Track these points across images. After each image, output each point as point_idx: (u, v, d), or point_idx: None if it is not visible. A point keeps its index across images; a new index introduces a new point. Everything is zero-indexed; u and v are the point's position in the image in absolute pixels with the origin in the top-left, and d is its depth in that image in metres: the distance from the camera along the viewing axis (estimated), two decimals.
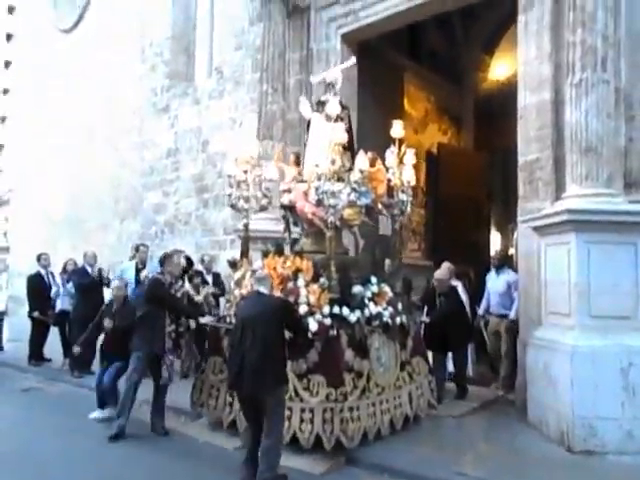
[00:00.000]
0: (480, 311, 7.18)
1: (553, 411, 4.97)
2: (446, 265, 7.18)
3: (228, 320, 5.24)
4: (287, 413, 4.44)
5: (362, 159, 5.31)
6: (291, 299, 4.78)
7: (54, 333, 8.53)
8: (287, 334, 4.34)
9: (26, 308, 8.90)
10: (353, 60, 6.73)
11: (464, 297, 7.27)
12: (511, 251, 13.16)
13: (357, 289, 5.08)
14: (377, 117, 8.30)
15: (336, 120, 5.29)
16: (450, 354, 6.59)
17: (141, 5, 11.38)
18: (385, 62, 8.69)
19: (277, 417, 4.06)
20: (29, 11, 15.80)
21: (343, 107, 5.69)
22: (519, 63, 6.14)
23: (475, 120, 11.67)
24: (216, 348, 5.36)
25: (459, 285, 7.27)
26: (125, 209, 11.55)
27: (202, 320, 5.79)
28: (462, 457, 4.65)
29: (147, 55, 11.31)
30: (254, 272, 5.12)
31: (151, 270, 7.42)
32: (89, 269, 7.80)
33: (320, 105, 5.91)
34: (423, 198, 10.43)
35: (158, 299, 5.30)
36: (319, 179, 5.01)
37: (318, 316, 4.74)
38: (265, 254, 5.53)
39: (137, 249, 7.72)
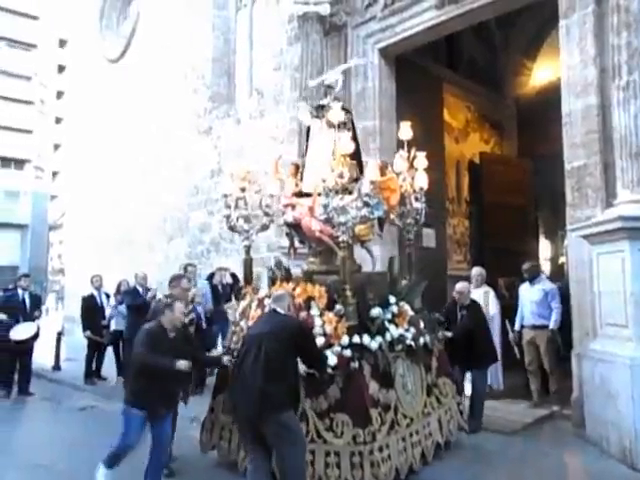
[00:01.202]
0: (516, 326, 6.78)
1: (614, 427, 4.76)
2: (476, 271, 6.97)
3: (236, 354, 4.55)
4: (309, 457, 4.05)
5: (372, 169, 4.79)
6: None
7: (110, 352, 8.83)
8: (302, 368, 4.03)
9: (81, 328, 9.24)
10: (356, 60, 6.38)
11: (495, 306, 6.98)
12: (561, 260, 12.78)
13: (376, 312, 4.59)
14: (417, 130, 8.24)
15: (340, 127, 4.82)
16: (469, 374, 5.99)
17: (182, 31, 11.77)
18: (423, 73, 8.66)
19: (286, 444, 3.62)
20: (79, 43, 16.61)
21: (346, 111, 5.25)
22: (562, 68, 6.00)
23: (518, 127, 11.45)
24: (224, 385, 4.74)
25: (490, 292, 7.00)
26: (172, 229, 11.86)
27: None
28: (517, 475, 4.52)
29: (189, 79, 11.66)
30: (261, 301, 4.81)
31: (200, 288, 7.62)
32: (140, 289, 8.03)
33: (320, 110, 5.43)
34: (467, 208, 10.30)
35: None
36: (327, 195, 4.52)
37: (337, 348, 4.27)
38: (272, 280, 5.05)
39: (186, 269, 7.90)
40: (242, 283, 7.96)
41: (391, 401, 4.45)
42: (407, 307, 4.94)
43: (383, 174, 5.24)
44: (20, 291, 8.44)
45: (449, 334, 5.64)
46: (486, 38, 10.65)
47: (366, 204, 4.56)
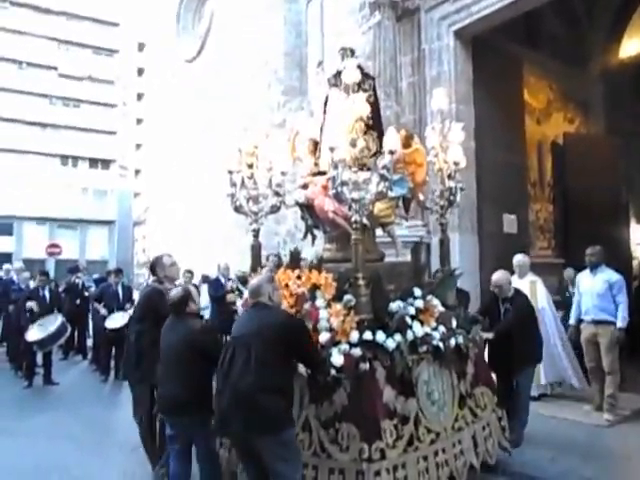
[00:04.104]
0: (572, 320, 6.13)
1: None
2: (517, 260, 6.33)
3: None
4: (312, 473, 3.52)
5: (392, 137, 3.99)
6: (308, 325, 3.69)
7: None
8: (304, 369, 3.53)
9: None
10: (378, 16, 5.45)
11: (545, 297, 6.34)
12: None
13: (396, 305, 3.94)
14: (496, 113, 8.01)
15: (356, 90, 4.19)
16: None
17: (255, 27, 12.00)
18: (502, 54, 8.33)
19: (285, 465, 3.16)
20: (156, 46, 17.35)
21: (366, 75, 4.64)
22: None
23: (605, 104, 10.77)
24: None
25: (538, 282, 6.38)
26: (248, 221, 12.15)
27: None
28: (615, 469, 4.31)
29: (263, 74, 11.89)
30: None
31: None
32: (222, 280, 8.33)
33: (338, 77, 4.73)
34: (550, 192, 9.85)
35: (156, 315, 4.25)
36: (335, 167, 3.82)
37: (344, 346, 3.62)
38: (278, 266, 4.50)
39: (267, 258, 8.09)
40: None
41: (410, 412, 3.77)
42: (436, 302, 4.22)
43: (408, 145, 4.58)
44: (113, 283, 9.00)
45: (489, 335, 4.82)
46: (568, 12, 10.08)
47: (383, 178, 3.83)
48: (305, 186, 4.79)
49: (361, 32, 5.36)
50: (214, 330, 4.10)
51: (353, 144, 3.86)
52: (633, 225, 11.59)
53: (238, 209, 4.81)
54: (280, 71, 11.45)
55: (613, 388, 5.64)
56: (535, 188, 9.48)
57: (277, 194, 4.83)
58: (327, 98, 4.91)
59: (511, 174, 8.25)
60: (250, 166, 4.77)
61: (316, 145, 4.97)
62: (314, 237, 4.98)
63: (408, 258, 4.73)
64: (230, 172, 4.79)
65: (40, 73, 34.11)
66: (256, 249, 4.90)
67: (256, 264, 4.83)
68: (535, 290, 6.27)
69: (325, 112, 4.90)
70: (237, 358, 3.17)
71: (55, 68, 34.76)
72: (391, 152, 3.91)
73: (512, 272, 6.15)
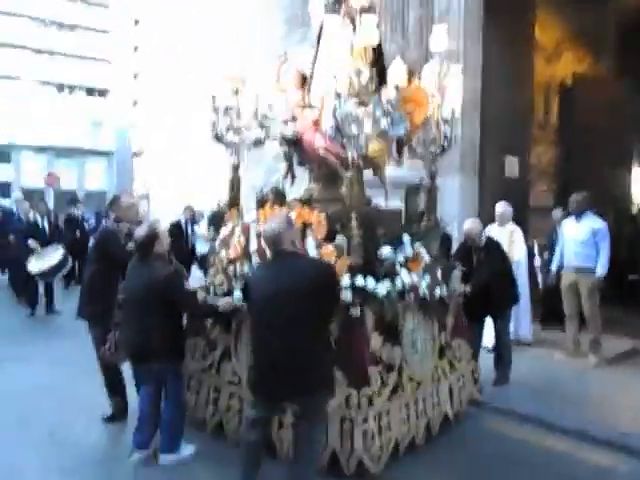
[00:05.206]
0: (554, 267, 6.08)
1: None
2: (499, 208, 6.16)
3: (212, 290, 4.05)
4: (291, 419, 3.43)
5: (398, 69, 3.67)
6: None
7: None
8: None
9: None
10: None
11: (522, 248, 6.21)
12: None
13: (386, 251, 3.76)
14: (505, 51, 7.73)
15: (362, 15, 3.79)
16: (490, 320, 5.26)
17: None
18: None
19: (320, 427, 3.08)
20: None
21: (369, 8, 4.24)
22: None
23: (619, 44, 10.37)
24: (196, 327, 4.18)
25: (517, 231, 6.23)
26: (248, 160, 12.01)
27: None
28: (596, 408, 4.49)
29: (266, 4, 11.39)
30: (246, 227, 3.92)
31: None
32: None
33: (337, 3, 4.38)
34: (554, 135, 9.67)
35: (110, 257, 4.07)
36: (338, 96, 3.52)
37: None
38: (261, 203, 4.23)
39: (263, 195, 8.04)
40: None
41: (396, 360, 3.71)
42: (423, 251, 4.11)
43: (409, 82, 4.19)
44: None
45: (467, 288, 4.68)
46: None
47: (387, 113, 3.57)
48: (292, 119, 4.48)
49: None
50: (182, 275, 3.88)
51: (358, 73, 3.57)
52: (636, 169, 11.46)
53: (218, 138, 4.53)
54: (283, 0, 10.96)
55: (595, 333, 5.73)
56: (539, 130, 9.30)
57: (262, 126, 4.56)
58: (321, 27, 4.47)
59: (516, 115, 8.07)
60: (235, 92, 4.47)
61: (304, 78, 4.62)
62: (294, 177, 4.78)
63: (396, 203, 4.55)
64: (213, 97, 4.49)
65: None
66: (235, 183, 4.63)
67: (234, 200, 4.62)
68: (512, 240, 6.16)
69: (319, 41, 4.48)
70: (269, 321, 2.92)
71: None
72: (397, 87, 3.65)
73: (492, 220, 6.22)
